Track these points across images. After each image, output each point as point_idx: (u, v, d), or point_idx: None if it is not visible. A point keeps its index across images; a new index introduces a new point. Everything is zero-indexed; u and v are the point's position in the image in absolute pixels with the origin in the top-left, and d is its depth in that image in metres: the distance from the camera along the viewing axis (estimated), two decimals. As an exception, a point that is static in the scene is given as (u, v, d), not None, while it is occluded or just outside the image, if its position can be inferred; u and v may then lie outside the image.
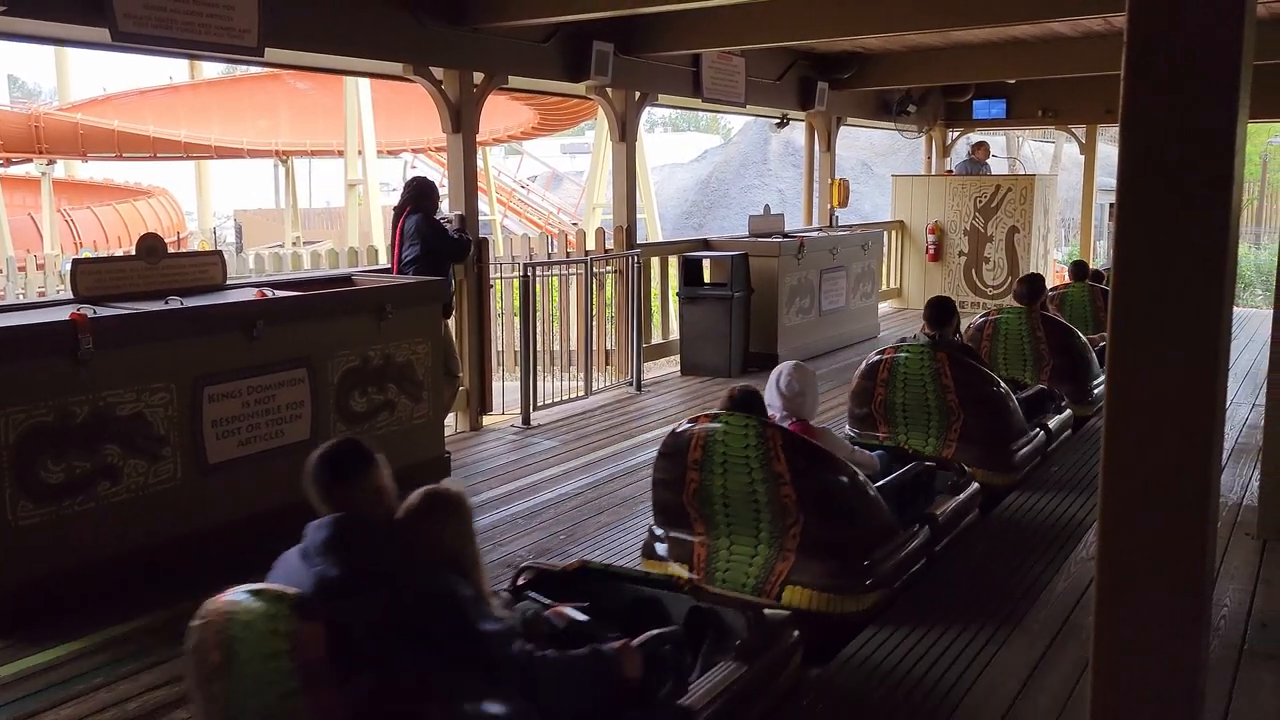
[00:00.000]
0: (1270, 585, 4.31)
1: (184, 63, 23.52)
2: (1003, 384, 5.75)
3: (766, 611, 3.40)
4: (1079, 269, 9.16)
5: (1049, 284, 8.91)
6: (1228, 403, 7.47)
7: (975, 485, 5.06)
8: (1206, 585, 1.62)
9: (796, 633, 3.46)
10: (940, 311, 5.73)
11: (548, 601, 3.12)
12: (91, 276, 4.92)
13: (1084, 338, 7.17)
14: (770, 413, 4.30)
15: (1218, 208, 1.48)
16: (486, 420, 7.56)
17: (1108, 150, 19.42)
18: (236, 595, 2.34)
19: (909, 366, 5.49)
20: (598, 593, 3.34)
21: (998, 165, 16.58)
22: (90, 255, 12.44)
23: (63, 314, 4.45)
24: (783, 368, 4.51)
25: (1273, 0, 6.88)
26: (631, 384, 8.66)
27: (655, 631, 2.96)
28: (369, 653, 2.28)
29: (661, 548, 4.28)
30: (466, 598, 2.47)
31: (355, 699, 2.25)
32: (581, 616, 2.99)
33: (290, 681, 2.23)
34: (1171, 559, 1.58)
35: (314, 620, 2.25)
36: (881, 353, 5.66)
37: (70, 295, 4.93)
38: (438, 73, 6.95)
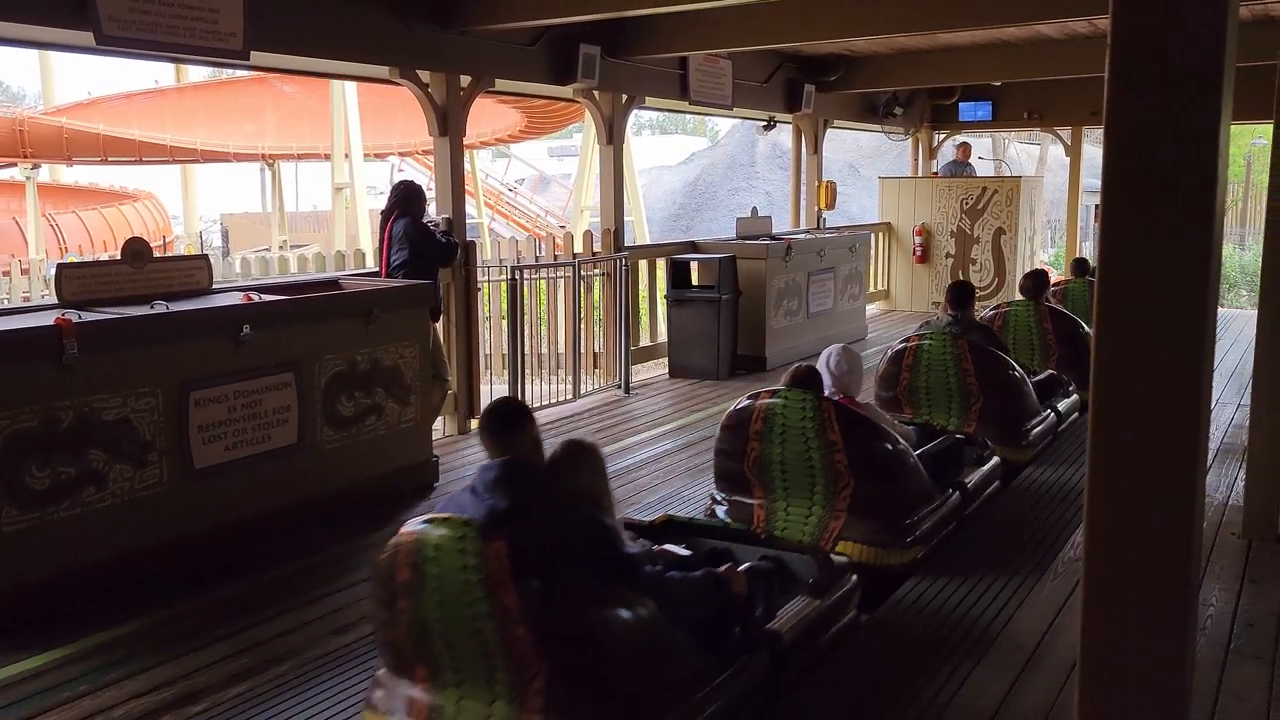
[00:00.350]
0: (1256, 585, 4.33)
1: (169, 66, 23.43)
2: (1018, 368, 6.17)
3: (833, 556, 3.91)
4: (1080, 265, 9.40)
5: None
6: (1213, 403, 7.54)
7: (997, 459, 5.55)
8: (1193, 585, 1.62)
9: (855, 577, 3.92)
10: (961, 294, 6.42)
11: (652, 545, 3.57)
12: (76, 281, 4.90)
13: (1086, 328, 7.36)
14: None
15: (1202, 209, 1.48)
16: (475, 424, 7.54)
17: (1093, 152, 19.50)
18: (418, 525, 2.81)
19: (932, 353, 5.96)
20: (677, 544, 3.70)
21: (984, 167, 16.65)
22: (75, 260, 12.38)
23: (48, 319, 4.43)
24: (831, 350, 5.03)
25: (1255, 2, 6.92)
26: (620, 387, 8.66)
27: (751, 564, 3.48)
28: (537, 566, 2.75)
29: (722, 511, 4.75)
30: (609, 525, 3.03)
31: (530, 602, 2.71)
32: (685, 552, 3.53)
33: (476, 590, 2.72)
34: (1158, 559, 1.59)
35: (496, 540, 2.71)
36: (906, 340, 6.14)
37: (55, 300, 4.91)
38: (424, 76, 6.94)
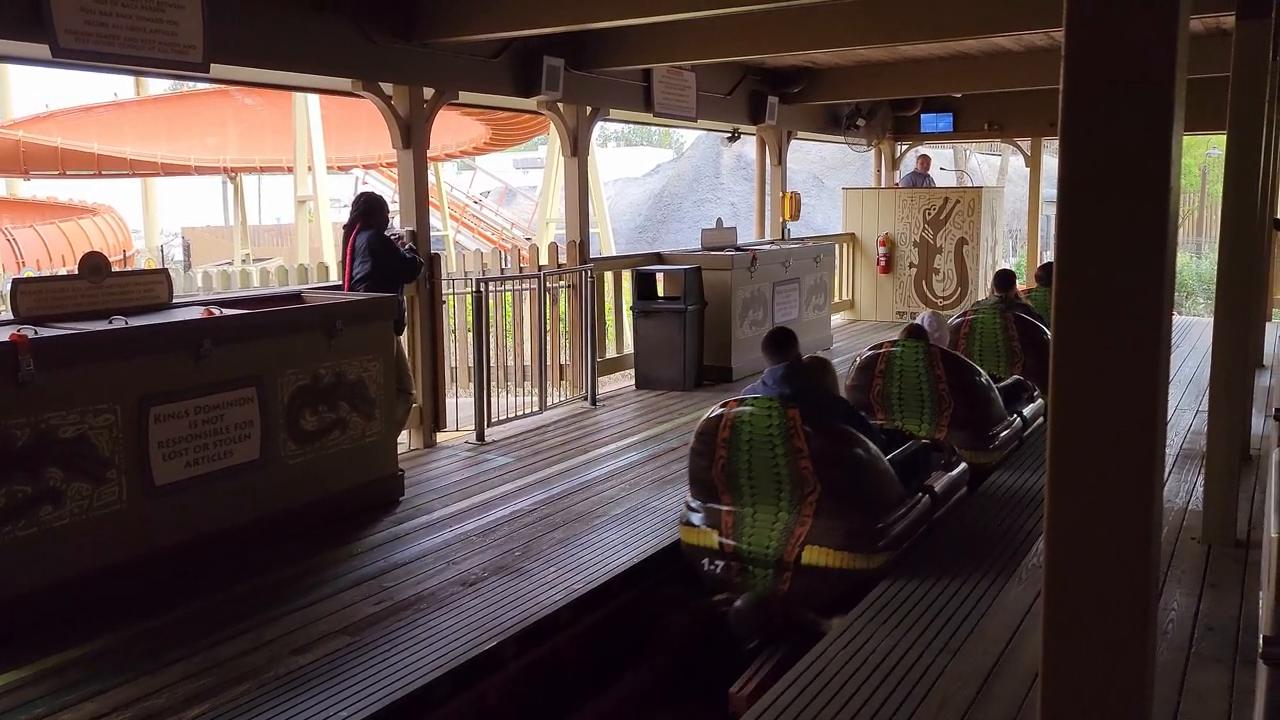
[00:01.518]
0: (1216, 589, 4.39)
1: (129, 79, 23.20)
2: (1049, 331, 7.61)
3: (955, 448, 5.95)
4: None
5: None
6: (1173, 409, 7.68)
7: (1041, 400, 7.11)
8: (1153, 590, 1.64)
9: (965, 464, 5.78)
10: (1004, 279, 8.32)
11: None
12: (32, 297, 4.83)
13: None
14: None
15: (1155, 218, 1.50)
16: (440, 437, 7.51)
17: (1052, 163, 19.73)
18: (719, 410, 4.75)
19: (985, 323, 7.70)
20: None
21: (946, 178, 16.79)
22: (33, 275, 12.21)
23: (3, 335, 4.35)
24: (925, 314, 7.29)
25: (1208, 15, 7.05)
26: (586, 399, 8.65)
27: (915, 440, 5.50)
28: (814, 424, 4.57)
29: None
30: (847, 400, 5.51)
31: (811, 444, 4.56)
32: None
33: (777, 439, 4.59)
34: (1118, 565, 1.60)
35: (792, 408, 4.58)
36: (964, 314, 7.98)
37: (11, 316, 4.83)
38: (387, 88, 6.91)
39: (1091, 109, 1.52)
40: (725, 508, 4.78)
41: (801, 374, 4.86)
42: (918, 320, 6.87)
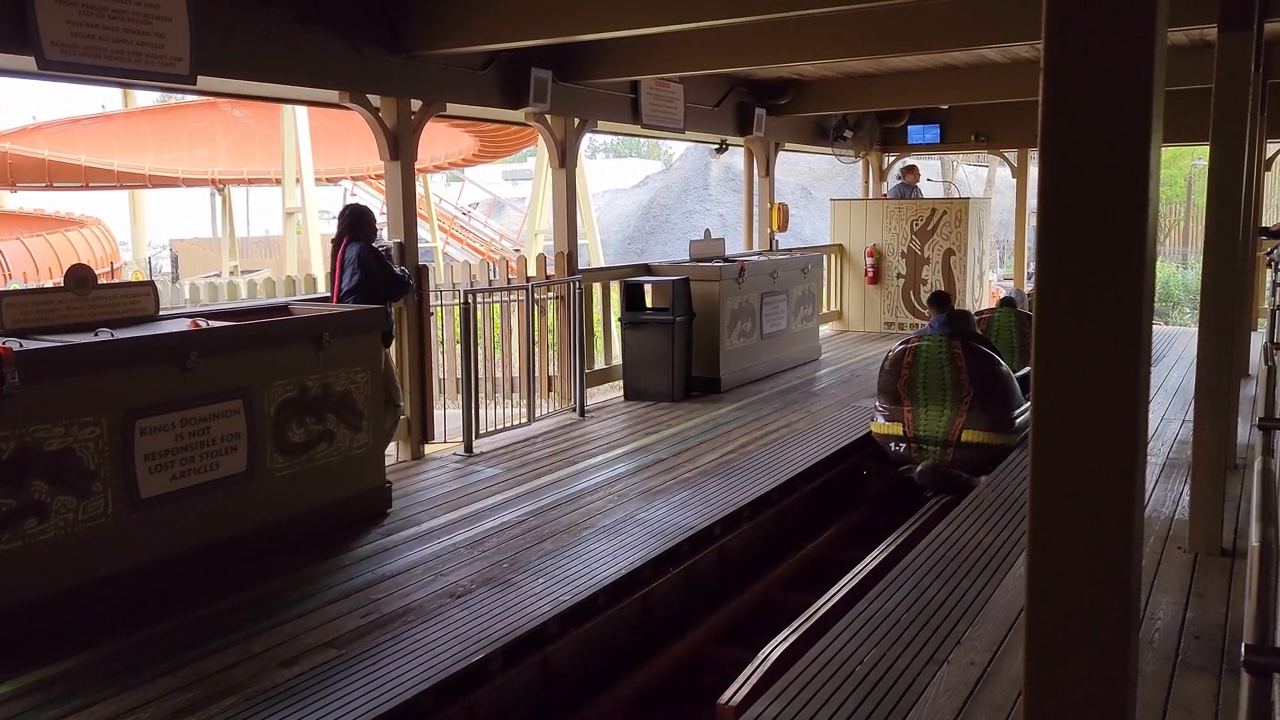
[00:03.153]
0: (1202, 598, 4.40)
1: (117, 91, 23.16)
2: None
3: None
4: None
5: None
6: (1160, 419, 7.72)
7: None
8: (1134, 600, 1.64)
9: None
10: None
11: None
12: (18, 309, 4.80)
13: None
14: None
15: (1134, 229, 1.51)
16: (428, 449, 7.49)
17: (1039, 173, 19.84)
18: (902, 346, 7.36)
19: None
20: None
21: (933, 189, 16.87)
22: (19, 287, 12.15)
23: (-13, 347, 4.33)
24: (1013, 289, 9.68)
25: (1191, 27, 7.11)
26: (575, 410, 8.64)
27: (1024, 370, 7.02)
28: (969, 351, 7.10)
29: None
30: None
31: (969, 363, 7.05)
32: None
33: (945, 360, 7.10)
34: (1099, 575, 1.60)
35: (956, 340, 7.14)
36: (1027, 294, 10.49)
37: (-4, 328, 4.81)
38: (375, 100, 6.91)
39: (1071, 122, 1.53)
40: (905, 408, 7.23)
41: (957, 319, 7.34)
42: (1008, 294, 9.69)
